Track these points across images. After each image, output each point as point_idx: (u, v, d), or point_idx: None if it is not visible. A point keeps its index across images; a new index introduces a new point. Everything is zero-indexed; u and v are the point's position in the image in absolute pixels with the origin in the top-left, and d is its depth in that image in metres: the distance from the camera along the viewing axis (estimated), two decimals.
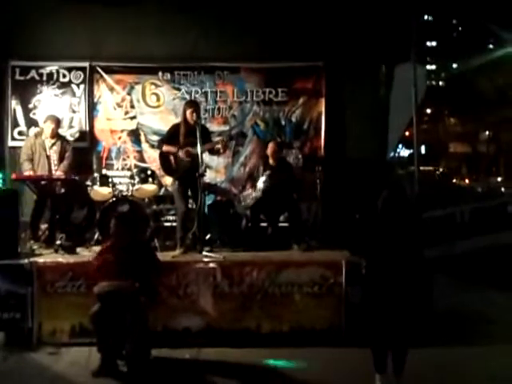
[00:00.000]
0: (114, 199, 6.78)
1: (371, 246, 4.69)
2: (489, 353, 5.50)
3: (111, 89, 7.87)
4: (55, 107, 7.70)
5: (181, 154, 6.41)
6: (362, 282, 5.09)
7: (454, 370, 5.13)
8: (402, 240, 4.58)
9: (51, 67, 7.75)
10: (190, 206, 6.62)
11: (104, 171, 7.47)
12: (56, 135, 6.88)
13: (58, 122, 6.99)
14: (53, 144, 6.84)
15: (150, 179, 6.97)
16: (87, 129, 7.83)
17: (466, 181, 30.71)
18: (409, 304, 4.57)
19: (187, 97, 7.78)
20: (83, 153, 7.66)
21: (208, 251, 6.23)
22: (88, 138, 7.83)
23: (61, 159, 6.84)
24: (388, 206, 4.62)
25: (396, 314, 4.52)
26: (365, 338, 4.95)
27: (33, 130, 7.49)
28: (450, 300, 6.86)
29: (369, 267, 4.76)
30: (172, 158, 6.52)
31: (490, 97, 28.59)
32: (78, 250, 6.34)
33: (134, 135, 7.90)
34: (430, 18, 33.70)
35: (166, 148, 6.55)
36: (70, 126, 7.81)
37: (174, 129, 6.60)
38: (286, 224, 7.03)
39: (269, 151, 6.91)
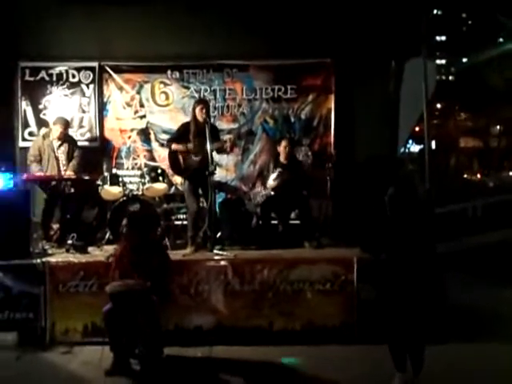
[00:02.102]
0: (125, 198, 6.81)
1: (382, 242, 4.65)
2: (501, 350, 5.46)
3: (120, 88, 7.88)
4: (65, 107, 7.74)
5: (190, 145, 6.38)
6: (375, 279, 5.06)
7: (465, 368, 5.09)
8: (413, 236, 4.54)
9: (61, 67, 7.77)
10: (200, 204, 6.62)
11: (114, 170, 7.50)
12: (63, 136, 6.90)
13: (66, 125, 7.02)
14: (60, 145, 6.87)
15: (161, 178, 6.99)
16: (97, 128, 7.85)
17: (478, 175, 30.50)
18: (423, 301, 4.53)
19: (196, 95, 7.78)
20: (93, 152, 7.68)
21: (219, 249, 6.23)
22: (98, 137, 7.86)
23: (69, 159, 6.86)
24: (395, 202, 4.59)
25: (411, 311, 4.48)
26: (377, 336, 4.93)
27: (42, 131, 7.51)
28: (461, 296, 6.81)
29: (381, 264, 4.73)
30: (181, 157, 6.52)
31: (500, 90, 28.35)
32: (90, 249, 6.37)
33: (144, 134, 7.92)
34: (439, 13, 33.49)
35: (174, 147, 6.55)
36: (80, 126, 7.84)
37: (184, 127, 6.60)
38: (296, 221, 7.02)
39: (281, 148, 6.87)
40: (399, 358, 4.57)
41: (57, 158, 6.82)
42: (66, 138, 6.93)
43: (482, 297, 7.13)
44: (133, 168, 7.85)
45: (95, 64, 7.78)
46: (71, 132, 7.38)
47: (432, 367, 4.66)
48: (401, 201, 4.59)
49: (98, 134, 7.85)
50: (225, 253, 6.14)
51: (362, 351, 5.40)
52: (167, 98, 7.93)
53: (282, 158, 6.87)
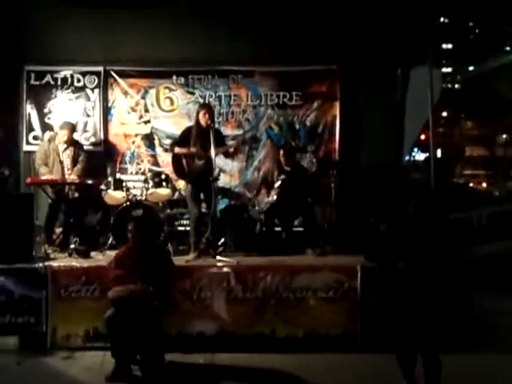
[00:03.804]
0: (128, 203, 6.79)
1: (404, 252, 4.56)
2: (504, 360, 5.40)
3: (125, 93, 7.90)
4: (70, 112, 7.76)
5: (193, 149, 6.36)
6: (381, 287, 4.98)
7: (469, 378, 5.04)
8: (437, 245, 4.46)
9: (66, 72, 7.80)
10: (203, 210, 6.59)
11: (118, 175, 7.48)
12: (70, 141, 6.91)
13: (73, 129, 7.05)
14: (66, 148, 6.87)
15: (164, 183, 6.98)
16: (101, 133, 7.87)
17: (483, 185, 30.40)
18: (446, 310, 4.46)
19: (201, 101, 7.79)
20: (97, 157, 7.68)
21: (222, 256, 6.21)
22: (102, 142, 7.87)
23: (74, 163, 6.86)
24: (421, 212, 4.51)
25: (426, 321, 4.39)
26: (381, 344, 4.88)
27: (47, 135, 7.52)
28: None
29: (397, 273, 4.63)
30: (184, 161, 6.49)
31: (507, 99, 28.30)
32: (92, 254, 6.34)
33: (148, 139, 7.93)
34: (445, 20, 33.48)
35: (177, 150, 6.53)
36: (85, 131, 7.85)
37: (187, 132, 6.58)
38: (300, 228, 6.99)
39: (281, 157, 6.87)
40: (407, 368, 4.50)
41: (61, 162, 6.83)
42: (71, 142, 6.94)
43: (488, 306, 7.05)
44: (137, 173, 7.84)
45: (100, 68, 7.80)
46: (76, 136, 7.38)
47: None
48: (426, 210, 4.53)
49: (102, 138, 7.87)
50: (228, 259, 6.11)
51: (365, 359, 5.36)
52: (172, 103, 7.93)
53: (284, 166, 6.85)
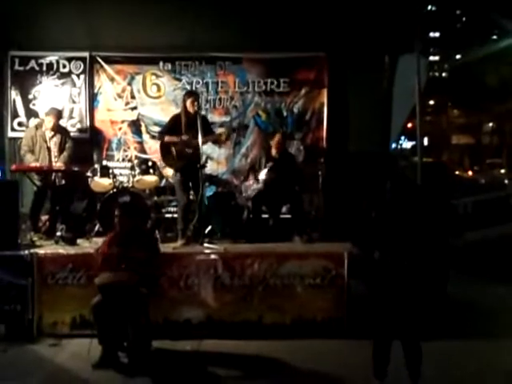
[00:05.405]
0: (115, 190, 6.77)
1: (374, 238, 4.59)
2: (488, 347, 5.46)
3: (111, 79, 7.83)
4: (55, 98, 7.68)
5: (184, 137, 6.32)
6: (366, 275, 5.01)
7: (455, 365, 5.09)
8: (412, 230, 4.46)
9: (51, 57, 7.71)
10: (191, 197, 6.58)
11: (104, 162, 7.44)
12: (56, 127, 6.84)
13: (59, 116, 6.98)
14: (53, 135, 6.81)
15: (151, 170, 6.96)
16: (87, 120, 7.80)
17: (469, 173, 30.64)
18: (421, 297, 4.47)
19: (188, 87, 7.75)
20: (84, 144, 7.62)
21: (209, 243, 6.20)
22: (88, 128, 7.80)
23: (61, 150, 6.81)
24: (394, 197, 4.52)
25: (403, 310, 4.41)
26: (367, 330, 4.90)
27: (33, 121, 7.45)
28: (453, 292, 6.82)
29: (374, 261, 4.65)
30: (174, 149, 6.46)
31: (493, 88, 28.46)
32: (79, 241, 6.31)
33: (135, 126, 7.87)
34: (433, 8, 33.48)
35: (168, 139, 6.47)
36: (71, 117, 7.78)
37: (174, 120, 6.54)
38: (287, 216, 6.99)
39: (274, 142, 6.83)
40: (380, 363, 4.48)
41: (49, 149, 6.77)
42: (58, 129, 6.87)
43: (473, 292, 7.14)
44: (123, 160, 7.80)
45: (86, 54, 7.72)
46: (62, 123, 7.30)
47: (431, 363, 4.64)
48: (399, 195, 4.53)
49: (88, 125, 7.80)
50: (215, 246, 6.11)
51: (351, 345, 5.40)
52: (159, 89, 7.88)
53: (273, 152, 6.82)
